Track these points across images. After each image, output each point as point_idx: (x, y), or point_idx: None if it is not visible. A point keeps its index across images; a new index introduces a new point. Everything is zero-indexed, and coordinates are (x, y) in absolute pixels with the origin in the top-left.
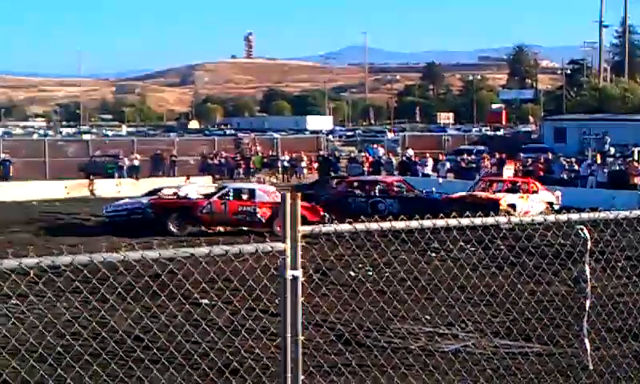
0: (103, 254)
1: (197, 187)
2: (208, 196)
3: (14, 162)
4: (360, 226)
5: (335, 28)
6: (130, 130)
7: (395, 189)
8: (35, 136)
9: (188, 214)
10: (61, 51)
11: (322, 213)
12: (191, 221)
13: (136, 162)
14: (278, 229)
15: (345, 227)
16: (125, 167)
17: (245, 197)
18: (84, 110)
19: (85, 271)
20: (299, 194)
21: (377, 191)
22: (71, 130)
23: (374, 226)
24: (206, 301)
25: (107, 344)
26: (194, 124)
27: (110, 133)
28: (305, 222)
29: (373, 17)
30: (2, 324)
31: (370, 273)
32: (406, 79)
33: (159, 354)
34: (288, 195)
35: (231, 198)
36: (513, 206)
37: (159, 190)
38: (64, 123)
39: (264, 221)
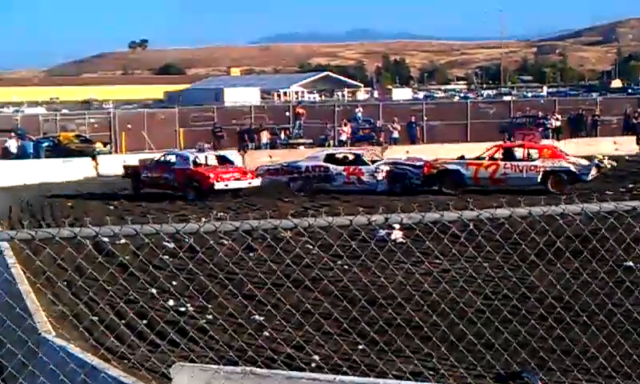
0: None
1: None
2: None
3: (435, 125)
4: None
5: None
6: (551, 90)
7: None
8: (456, 98)
9: (136, 177)
10: (482, 14)
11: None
12: (139, 182)
13: (557, 123)
14: (191, 193)
15: None
16: (550, 128)
17: (168, 164)
18: (504, 71)
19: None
20: None
21: None
22: (492, 92)
23: None
24: (631, 263)
25: (527, 303)
26: (616, 83)
27: (529, 94)
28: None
29: None
30: (422, 281)
31: None
32: None
33: (581, 314)
34: None
35: (161, 164)
36: None
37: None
38: (484, 85)
39: (176, 185)
